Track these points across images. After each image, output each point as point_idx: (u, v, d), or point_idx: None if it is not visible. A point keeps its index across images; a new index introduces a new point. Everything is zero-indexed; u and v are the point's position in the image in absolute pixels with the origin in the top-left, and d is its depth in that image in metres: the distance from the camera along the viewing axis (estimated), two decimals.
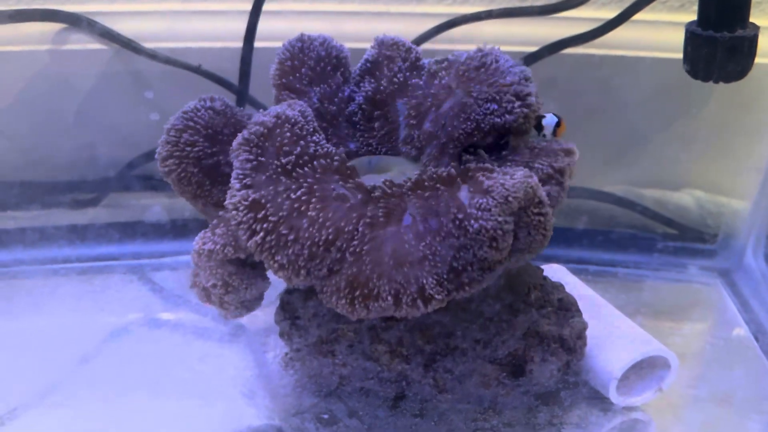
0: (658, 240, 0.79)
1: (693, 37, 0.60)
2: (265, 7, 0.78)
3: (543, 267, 0.64)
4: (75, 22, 0.78)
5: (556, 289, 0.57)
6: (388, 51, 0.56)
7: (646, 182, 0.83)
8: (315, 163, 0.47)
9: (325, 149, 0.49)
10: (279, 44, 0.80)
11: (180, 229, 0.78)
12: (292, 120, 0.49)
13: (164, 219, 0.78)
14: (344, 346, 0.51)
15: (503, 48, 0.81)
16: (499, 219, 0.43)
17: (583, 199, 0.80)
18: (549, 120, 0.57)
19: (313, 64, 0.55)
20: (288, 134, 0.48)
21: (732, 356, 0.65)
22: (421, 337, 0.52)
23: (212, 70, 0.79)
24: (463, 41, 0.79)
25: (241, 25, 0.78)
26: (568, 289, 0.59)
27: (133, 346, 0.67)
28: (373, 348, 0.50)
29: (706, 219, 0.80)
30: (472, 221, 0.43)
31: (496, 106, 0.50)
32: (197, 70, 0.78)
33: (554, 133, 0.57)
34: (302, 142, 0.48)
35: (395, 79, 0.55)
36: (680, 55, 0.64)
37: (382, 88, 0.56)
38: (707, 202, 0.81)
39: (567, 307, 0.56)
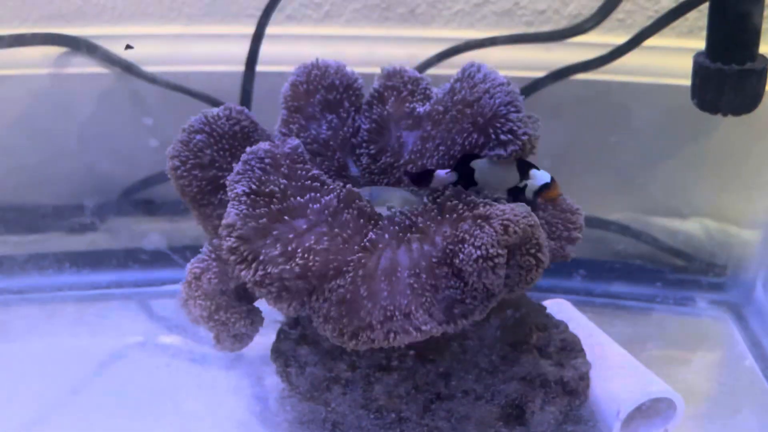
0: (665, 272, 0.77)
1: (701, 68, 0.59)
2: (268, 31, 0.78)
3: (547, 301, 0.63)
4: (76, 46, 0.77)
5: (558, 328, 0.55)
6: (391, 81, 0.55)
7: (654, 210, 0.81)
8: (312, 195, 0.47)
9: (322, 182, 0.48)
10: (281, 68, 0.80)
11: (179, 256, 0.77)
12: (290, 153, 0.48)
13: (163, 245, 0.77)
14: (337, 393, 0.50)
15: (508, 74, 0.81)
16: (491, 250, 0.42)
17: (589, 229, 0.79)
18: (540, 176, 0.49)
19: (326, 91, 0.55)
20: (285, 167, 0.47)
21: (741, 394, 0.63)
22: (417, 382, 0.50)
23: (214, 95, 0.79)
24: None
25: (243, 50, 0.78)
26: (571, 326, 0.57)
27: (129, 374, 0.66)
28: (366, 395, 0.49)
29: (716, 250, 0.78)
30: (466, 248, 0.42)
31: (484, 138, 0.49)
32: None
33: (537, 193, 0.49)
34: (299, 174, 0.47)
35: (399, 110, 0.54)
36: (689, 81, 0.63)
37: (385, 118, 0.55)
38: (717, 231, 0.79)
39: (570, 348, 0.55)
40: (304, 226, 0.44)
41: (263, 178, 0.45)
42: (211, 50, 0.81)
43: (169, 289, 0.77)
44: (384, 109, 0.54)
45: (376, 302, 0.43)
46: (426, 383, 0.51)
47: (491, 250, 0.42)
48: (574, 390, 0.53)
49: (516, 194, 0.50)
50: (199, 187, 0.52)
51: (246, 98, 0.79)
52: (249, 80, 0.78)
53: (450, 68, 0.80)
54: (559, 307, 0.64)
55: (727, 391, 0.64)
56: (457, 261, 0.43)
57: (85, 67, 0.78)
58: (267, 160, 0.47)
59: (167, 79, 0.78)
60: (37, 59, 0.78)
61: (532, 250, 0.44)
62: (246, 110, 0.54)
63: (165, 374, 0.66)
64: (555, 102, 0.77)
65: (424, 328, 0.43)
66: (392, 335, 0.42)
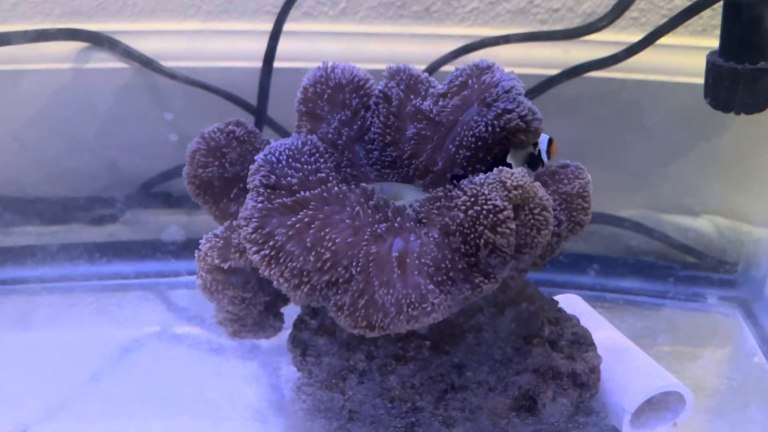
0: (676, 268, 0.78)
1: (714, 67, 0.59)
2: (285, 27, 0.79)
3: (559, 296, 0.64)
4: (97, 41, 0.79)
5: (570, 322, 0.56)
6: (394, 80, 0.56)
7: (666, 208, 0.82)
8: (325, 187, 0.48)
9: (336, 177, 0.49)
10: (298, 65, 0.82)
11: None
12: (308, 149, 0.49)
13: (182, 237, 0.79)
14: (354, 382, 0.51)
15: (522, 71, 0.81)
16: (498, 202, 0.42)
17: (601, 225, 0.79)
18: (542, 137, 0.54)
19: (333, 91, 0.56)
20: (302, 162, 0.49)
21: (750, 390, 0.64)
22: (432, 372, 0.51)
23: (231, 91, 0.80)
24: None
25: (261, 46, 0.79)
26: (582, 320, 0.58)
27: (147, 364, 0.68)
28: (382, 384, 0.50)
29: (727, 247, 0.79)
30: (472, 211, 0.42)
31: (488, 116, 0.50)
32: None
33: (548, 152, 0.54)
34: (315, 168, 0.49)
35: (404, 107, 0.55)
36: (702, 80, 0.64)
37: (392, 116, 0.56)
38: (728, 229, 0.79)
39: (581, 341, 0.55)
40: (319, 218, 0.45)
41: (281, 171, 0.47)
42: (229, 46, 0.82)
43: (187, 280, 0.79)
44: (390, 108, 0.55)
45: (389, 289, 0.43)
46: (440, 374, 0.52)
47: (498, 203, 0.42)
48: (585, 383, 0.54)
49: (535, 163, 0.52)
50: (212, 202, 0.55)
51: (263, 94, 0.80)
52: (266, 76, 0.79)
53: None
54: (570, 302, 0.65)
55: (736, 386, 0.64)
56: (464, 228, 0.43)
57: (106, 62, 0.80)
58: (285, 155, 0.48)
59: (186, 75, 0.79)
60: (58, 54, 0.79)
61: (536, 210, 0.44)
62: (244, 121, 0.55)
63: (184, 363, 0.67)
64: (568, 99, 0.78)
65: (440, 309, 0.43)
66: (409, 320, 0.43)
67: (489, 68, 0.52)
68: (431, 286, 0.43)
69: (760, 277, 0.76)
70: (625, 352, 0.59)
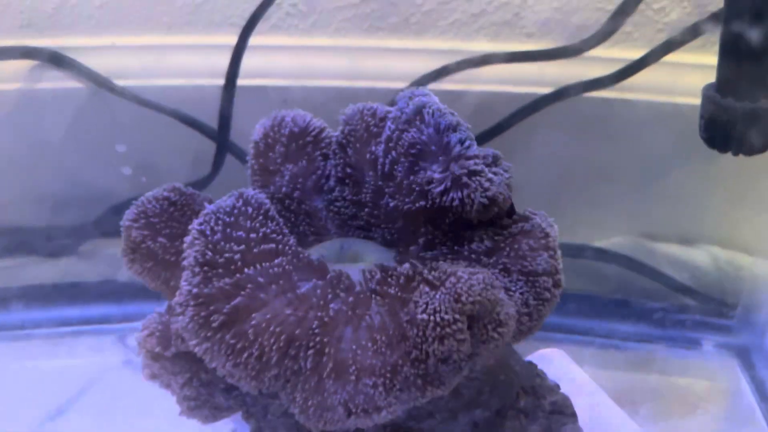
0: (669, 310, 0.73)
1: (711, 104, 0.54)
2: (251, 42, 0.73)
3: (542, 351, 0.60)
4: (47, 59, 0.73)
5: (549, 390, 0.51)
6: (350, 126, 0.50)
7: (660, 236, 0.77)
8: (272, 263, 0.43)
9: (286, 244, 0.44)
10: (265, 82, 0.76)
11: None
12: (250, 213, 0.44)
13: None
14: None
15: (510, 90, 0.76)
16: (446, 317, 0.38)
17: (589, 261, 0.74)
18: None
19: (285, 142, 0.51)
20: (243, 228, 0.43)
21: None
22: None
23: (190, 113, 0.74)
24: (467, 81, 0.74)
25: (223, 61, 0.73)
26: (565, 381, 0.53)
27: (108, 398, 0.65)
28: None
29: (724, 284, 0.73)
30: (420, 316, 0.38)
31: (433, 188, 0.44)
32: None
33: None
34: (258, 237, 0.43)
35: (361, 155, 0.50)
36: (698, 100, 0.59)
37: (349, 168, 0.50)
38: (726, 262, 0.74)
39: (560, 411, 0.51)
40: (261, 304, 0.40)
41: (217, 246, 0.41)
42: (191, 62, 0.77)
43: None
44: (346, 159, 0.50)
45: (338, 389, 0.39)
46: None
47: (446, 317, 0.38)
48: None
49: None
50: (156, 278, 0.49)
51: (225, 123, 0.74)
52: (228, 101, 0.74)
53: (451, 83, 0.75)
54: (552, 359, 0.60)
55: None
56: (414, 335, 0.39)
57: (57, 81, 0.75)
58: (223, 223, 0.43)
59: (137, 94, 0.73)
60: (5, 74, 0.74)
61: (491, 326, 0.40)
62: (179, 185, 0.50)
63: (146, 398, 0.63)
64: (557, 120, 0.73)
65: (386, 412, 0.39)
66: (358, 421, 0.39)
67: (423, 123, 0.46)
68: (380, 390, 0.38)
69: (760, 321, 0.70)
70: (611, 419, 0.55)
